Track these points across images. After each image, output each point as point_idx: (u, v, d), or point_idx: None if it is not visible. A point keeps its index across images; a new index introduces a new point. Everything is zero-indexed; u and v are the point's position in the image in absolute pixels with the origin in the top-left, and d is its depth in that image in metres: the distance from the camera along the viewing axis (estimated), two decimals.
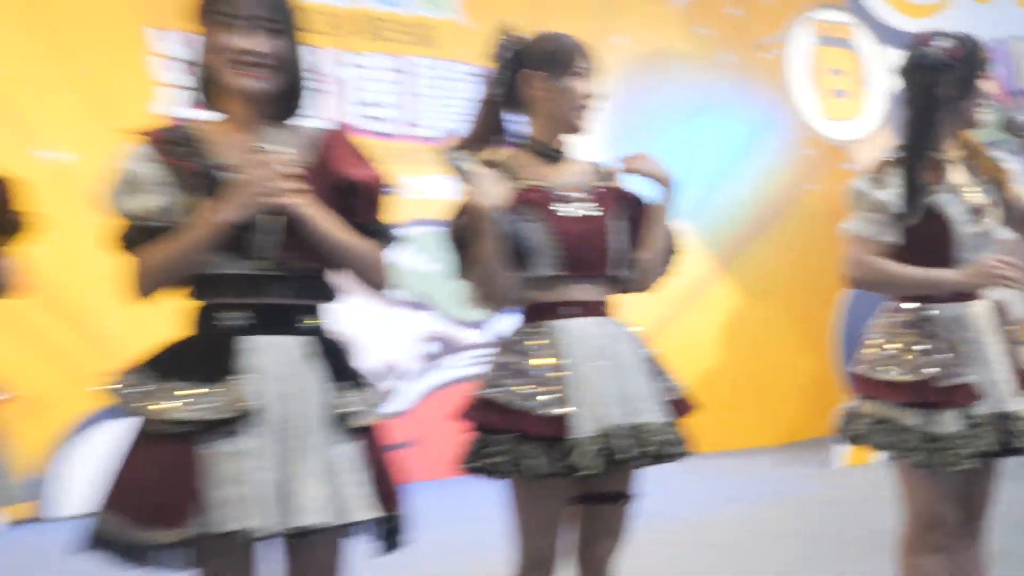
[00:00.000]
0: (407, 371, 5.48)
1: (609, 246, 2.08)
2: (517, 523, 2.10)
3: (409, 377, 5.48)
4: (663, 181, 2.12)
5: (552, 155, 2.14)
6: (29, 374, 4.36)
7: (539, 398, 2.00)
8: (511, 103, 2.15)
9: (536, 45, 2.13)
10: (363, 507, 1.75)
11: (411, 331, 5.46)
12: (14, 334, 4.36)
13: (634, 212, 2.15)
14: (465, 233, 2.01)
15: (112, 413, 1.61)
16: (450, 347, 5.59)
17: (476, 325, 5.50)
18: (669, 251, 2.19)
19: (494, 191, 1.97)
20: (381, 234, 1.88)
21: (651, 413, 2.04)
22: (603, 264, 2.08)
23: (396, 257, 1.91)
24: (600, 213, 2.10)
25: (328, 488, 1.72)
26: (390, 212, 1.90)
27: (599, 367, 2.03)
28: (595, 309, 2.10)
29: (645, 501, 2.22)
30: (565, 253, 2.03)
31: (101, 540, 1.72)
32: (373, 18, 5.45)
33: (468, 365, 5.50)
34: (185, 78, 1.86)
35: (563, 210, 2.06)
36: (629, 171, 2.14)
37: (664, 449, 2.03)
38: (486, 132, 2.17)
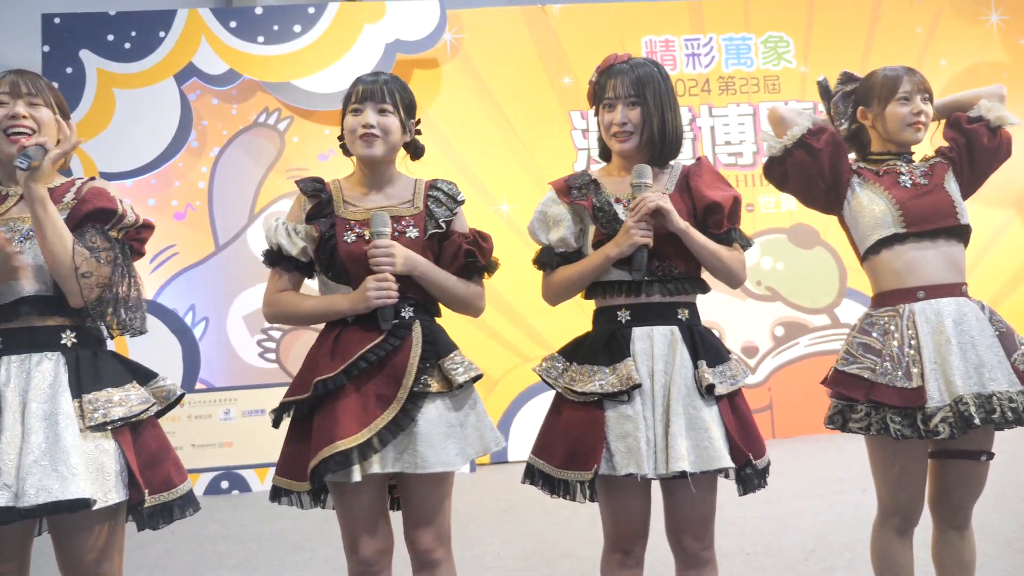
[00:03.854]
0: (761, 350, 5.97)
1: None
2: (882, 476, 2.14)
3: (763, 355, 5.97)
4: None
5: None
6: (488, 358, 5.62)
7: (895, 372, 2.03)
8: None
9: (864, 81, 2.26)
10: (723, 457, 1.86)
11: (764, 318, 5.99)
12: (479, 330, 5.53)
13: None
14: None
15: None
16: (794, 331, 5.99)
17: (816, 312, 5.97)
18: None
19: None
20: (739, 241, 2.05)
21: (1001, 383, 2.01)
22: None
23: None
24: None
25: (692, 442, 1.85)
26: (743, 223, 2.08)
27: (950, 344, 2.02)
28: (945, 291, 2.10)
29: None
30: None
31: (534, 476, 1.99)
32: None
33: (809, 345, 5.92)
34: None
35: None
36: None
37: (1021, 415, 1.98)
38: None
